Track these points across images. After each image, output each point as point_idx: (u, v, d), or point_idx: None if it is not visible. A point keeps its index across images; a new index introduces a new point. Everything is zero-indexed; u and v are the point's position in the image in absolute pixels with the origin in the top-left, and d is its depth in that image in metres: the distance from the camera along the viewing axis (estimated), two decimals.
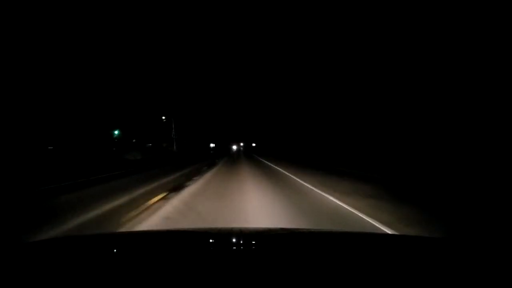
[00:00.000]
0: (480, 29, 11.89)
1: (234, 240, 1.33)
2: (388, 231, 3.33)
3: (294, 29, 47.66)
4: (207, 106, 74.45)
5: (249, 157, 28.64)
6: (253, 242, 1.30)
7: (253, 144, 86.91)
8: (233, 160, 22.37)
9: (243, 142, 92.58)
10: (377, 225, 3.57)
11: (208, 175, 10.14)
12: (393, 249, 1.13)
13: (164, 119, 45.91)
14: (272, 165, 15.50)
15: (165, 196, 5.75)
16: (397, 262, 0.94)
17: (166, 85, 53.73)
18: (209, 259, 0.93)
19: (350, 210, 4.40)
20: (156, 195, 5.76)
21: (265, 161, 19.99)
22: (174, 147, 45.82)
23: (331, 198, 5.41)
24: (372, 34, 19.51)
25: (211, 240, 1.33)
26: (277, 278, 0.76)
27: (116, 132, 38.34)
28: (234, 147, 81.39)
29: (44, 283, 0.72)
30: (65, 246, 1.13)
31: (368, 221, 3.74)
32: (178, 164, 16.28)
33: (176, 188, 6.88)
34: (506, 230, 3.47)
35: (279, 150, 43.59)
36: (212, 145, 69.49)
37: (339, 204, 4.85)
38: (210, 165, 15.10)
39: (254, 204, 4.98)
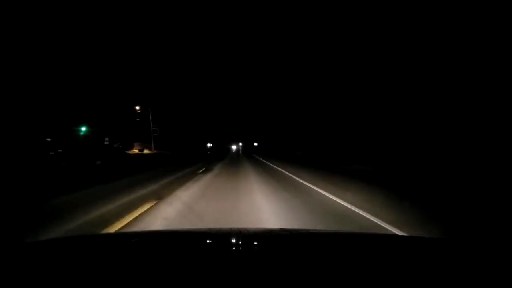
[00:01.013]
0: (479, 29, 11.93)
1: (233, 240, 1.29)
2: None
3: (295, 26, 45.96)
4: (205, 104, 69.80)
5: (254, 160, 18.49)
6: (253, 242, 1.28)
7: (255, 144, 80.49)
8: (232, 164, 15.19)
9: (243, 142, 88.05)
10: None
11: None
12: (394, 249, 1.12)
13: (139, 109, 35.24)
14: (292, 175, 9.39)
15: None
16: (398, 262, 0.92)
17: (155, 79, 44.76)
18: (209, 260, 0.92)
19: None
20: None
21: (278, 167, 12.56)
22: (152, 146, 35.27)
23: None
24: (372, 34, 19.51)
25: (211, 241, 1.31)
26: (277, 279, 0.74)
27: (83, 128, 29.69)
28: (234, 147, 77.53)
29: (44, 284, 0.71)
30: (64, 246, 1.13)
31: None
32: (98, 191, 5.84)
33: None
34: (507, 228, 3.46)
35: (283, 149, 37.91)
36: (209, 144, 66.81)
37: None
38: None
39: None
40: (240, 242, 1.26)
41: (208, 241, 1.30)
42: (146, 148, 35.85)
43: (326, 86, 28.27)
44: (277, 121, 52.48)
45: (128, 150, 31.81)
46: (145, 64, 44.80)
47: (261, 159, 21.15)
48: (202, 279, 0.73)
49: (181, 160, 18.75)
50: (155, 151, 33.57)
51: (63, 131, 30.21)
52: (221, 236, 1.36)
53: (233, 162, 17.25)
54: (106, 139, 38.29)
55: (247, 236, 1.36)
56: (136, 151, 32.89)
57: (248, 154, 36.08)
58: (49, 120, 28.84)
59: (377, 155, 15.72)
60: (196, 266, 0.83)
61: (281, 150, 38.95)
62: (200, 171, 10.32)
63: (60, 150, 18.55)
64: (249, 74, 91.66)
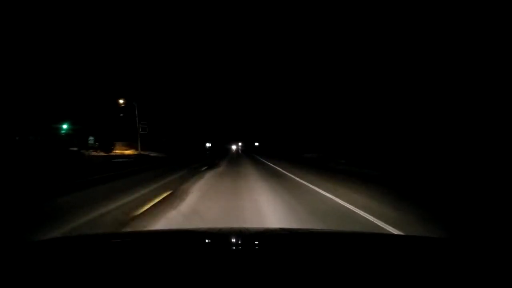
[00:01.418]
0: (480, 29, 11.88)
1: (234, 240, 1.27)
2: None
3: (298, 18, 46.09)
4: (203, 102, 66.22)
5: (260, 165, 12.97)
6: (253, 242, 1.26)
7: (256, 144, 76.02)
8: (232, 172, 10.55)
9: (243, 142, 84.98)
10: None
11: None
12: (395, 249, 1.10)
13: (123, 103, 29.82)
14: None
15: None
16: (399, 262, 0.90)
17: (150, 75, 40.13)
18: (210, 259, 0.90)
19: None
20: None
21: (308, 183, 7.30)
22: (138, 146, 29.98)
23: None
24: (373, 34, 19.19)
25: (212, 240, 1.28)
26: (278, 278, 0.73)
27: (64, 126, 26.92)
28: (234, 147, 75.11)
29: (44, 283, 0.69)
30: (65, 246, 1.10)
31: None
32: None
33: None
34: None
35: (289, 150, 34.27)
36: (208, 145, 65.04)
37: None
38: None
39: None
40: (241, 242, 1.23)
41: (209, 241, 1.28)
42: (132, 148, 30.73)
43: (341, 80, 24.30)
44: (281, 120, 48.26)
45: (107, 151, 26.62)
46: (140, 59, 40.21)
47: (270, 163, 15.65)
48: (203, 278, 0.72)
49: (162, 165, 13.48)
50: (141, 153, 28.31)
51: (43, 129, 25.17)
52: (221, 236, 1.35)
53: (233, 168, 11.98)
54: (91, 138, 33.48)
55: (248, 235, 1.34)
56: (118, 151, 27.58)
57: (250, 156, 30.73)
58: (28, 117, 24.96)
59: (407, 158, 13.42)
60: (197, 266, 0.82)
61: (286, 151, 33.69)
62: (165, 195, 5.11)
63: None
64: (249, 71, 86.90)
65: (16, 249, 1.01)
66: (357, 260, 0.91)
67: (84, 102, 32.92)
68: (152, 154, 27.17)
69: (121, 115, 31.12)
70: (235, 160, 20.16)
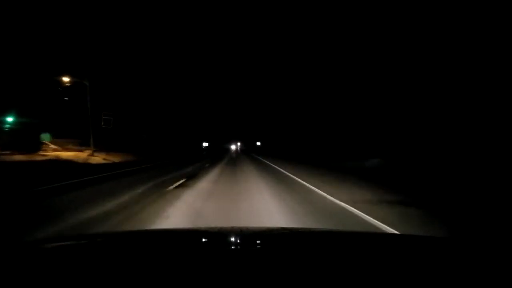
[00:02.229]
0: (480, 28, 11.80)
1: (234, 239, 1.25)
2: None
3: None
4: (201, 98, 63.21)
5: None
6: (254, 241, 1.24)
7: (258, 143, 72.43)
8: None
9: (243, 141, 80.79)
10: None
11: None
12: (396, 248, 1.09)
13: (69, 82, 19.82)
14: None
15: None
16: (400, 261, 0.90)
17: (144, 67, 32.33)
18: (210, 258, 0.89)
19: None
20: None
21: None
22: (91, 144, 20.14)
23: None
24: (373, 33, 19.06)
25: (212, 239, 1.27)
26: (278, 278, 0.72)
27: (9, 119, 20.41)
28: (233, 147, 72.92)
29: (42, 283, 0.68)
30: (63, 245, 1.07)
31: None
32: None
33: None
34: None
35: (295, 151, 30.36)
36: (205, 144, 63.68)
37: None
38: None
39: None
40: (241, 241, 1.21)
41: (209, 240, 1.25)
42: (85, 149, 20.94)
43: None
44: (294, 116, 41.08)
45: (29, 152, 16.83)
46: (135, 53, 32.03)
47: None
48: (203, 278, 0.71)
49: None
50: (92, 152, 18.57)
51: None
52: (222, 235, 1.33)
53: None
54: (45, 134, 24.52)
55: (249, 235, 1.31)
56: (52, 153, 17.66)
57: (253, 158, 20.87)
58: None
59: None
60: (197, 265, 0.81)
61: (307, 154, 24.23)
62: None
63: None
64: (250, 66, 79.47)
65: (10, 249, 0.98)
66: (357, 259, 0.90)
67: (40, 90, 24.14)
68: (105, 160, 17.36)
69: (66, 99, 21.32)
70: (233, 164, 10.64)
